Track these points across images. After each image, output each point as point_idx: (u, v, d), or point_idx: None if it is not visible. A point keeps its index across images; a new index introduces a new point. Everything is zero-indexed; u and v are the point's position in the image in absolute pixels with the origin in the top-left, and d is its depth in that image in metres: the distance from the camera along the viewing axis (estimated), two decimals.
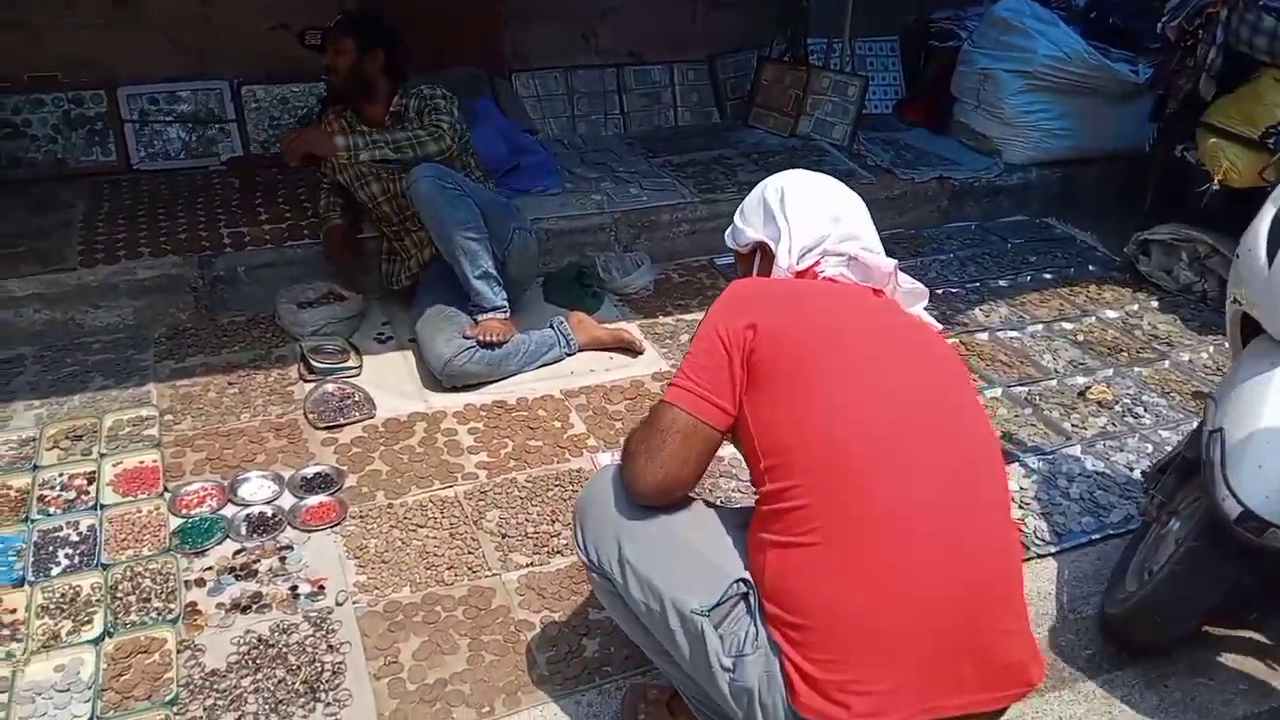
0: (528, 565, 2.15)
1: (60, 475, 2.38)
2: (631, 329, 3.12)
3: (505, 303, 2.83)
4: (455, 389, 2.78)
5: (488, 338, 2.75)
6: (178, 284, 3.11)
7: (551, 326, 2.96)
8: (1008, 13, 4.21)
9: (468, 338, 2.75)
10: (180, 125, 3.85)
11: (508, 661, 1.91)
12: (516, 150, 3.75)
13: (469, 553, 2.18)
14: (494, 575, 2.12)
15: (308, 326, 2.99)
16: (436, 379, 2.77)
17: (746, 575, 1.44)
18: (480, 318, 2.79)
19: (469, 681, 1.86)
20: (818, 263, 1.58)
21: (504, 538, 2.22)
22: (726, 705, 1.42)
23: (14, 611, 1.98)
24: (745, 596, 1.43)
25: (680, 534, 1.52)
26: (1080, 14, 4.57)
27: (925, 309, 1.64)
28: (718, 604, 1.43)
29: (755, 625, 1.40)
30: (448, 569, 2.13)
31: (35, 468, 2.40)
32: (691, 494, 1.59)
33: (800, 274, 1.58)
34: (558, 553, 2.18)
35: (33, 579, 2.06)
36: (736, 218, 1.70)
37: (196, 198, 3.55)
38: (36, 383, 2.80)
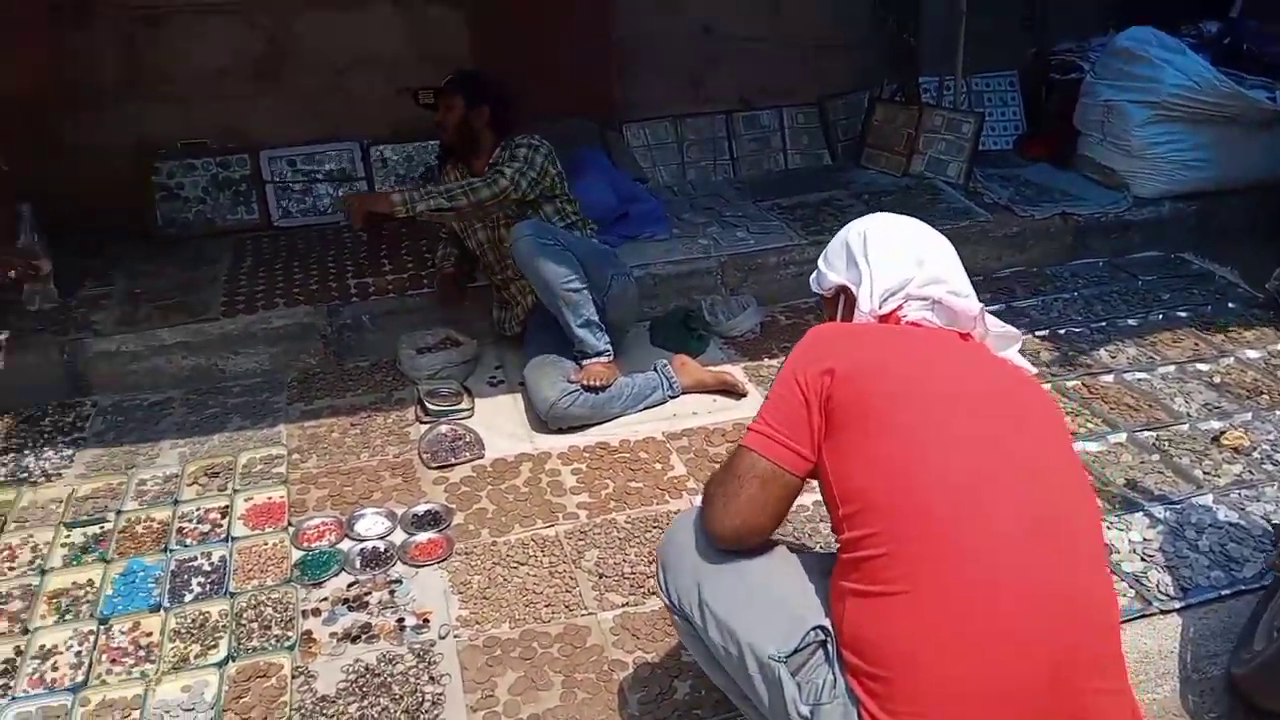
0: (623, 605, 2.18)
1: (197, 509, 2.57)
2: (736, 372, 3.14)
3: (608, 347, 2.91)
4: (560, 431, 2.85)
5: (592, 382, 2.83)
6: (309, 332, 3.33)
7: (655, 369, 3.01)
8: (1131, 42, 4.07)
9: (572, 382, 2.83)
10: (315, 184, 4.13)
11: (600, 700, 1.93)
12: (625, 198, 3.85)
13: (567, 591, 2.23)
14: (590, 614, 2.16)
15: (424, 371, 3.15)
16: (542, 421, 2.86)
17: (825, 622, 1.43)
18: (585, 363, 2.88)
19: (561, 718, 1.90)
20: (900, 307, 1.57)
21: (601, 577, 2.26)
22: None
23: (150, 634, 2.15)
24: (823, 644, 1.42)
25: (758, 578, 1.53)
26: (1212, 40, 4.36)
27: (1020, 352, 1.60)
28: (795, 650, 1.42)
29: (834, 673, 1.39)
30: (546, 606, 2.18)
31: (176, 502, 2.60)
32: (774, 538, 1.59)
33: (883, 318, 1.58)
34: (653, 594, 2.20)
35: (168, 605, 2.23)
36: (820, 261, 1.72)
37: (328, 251, 3.80)
38: (182, 423, 3.04)
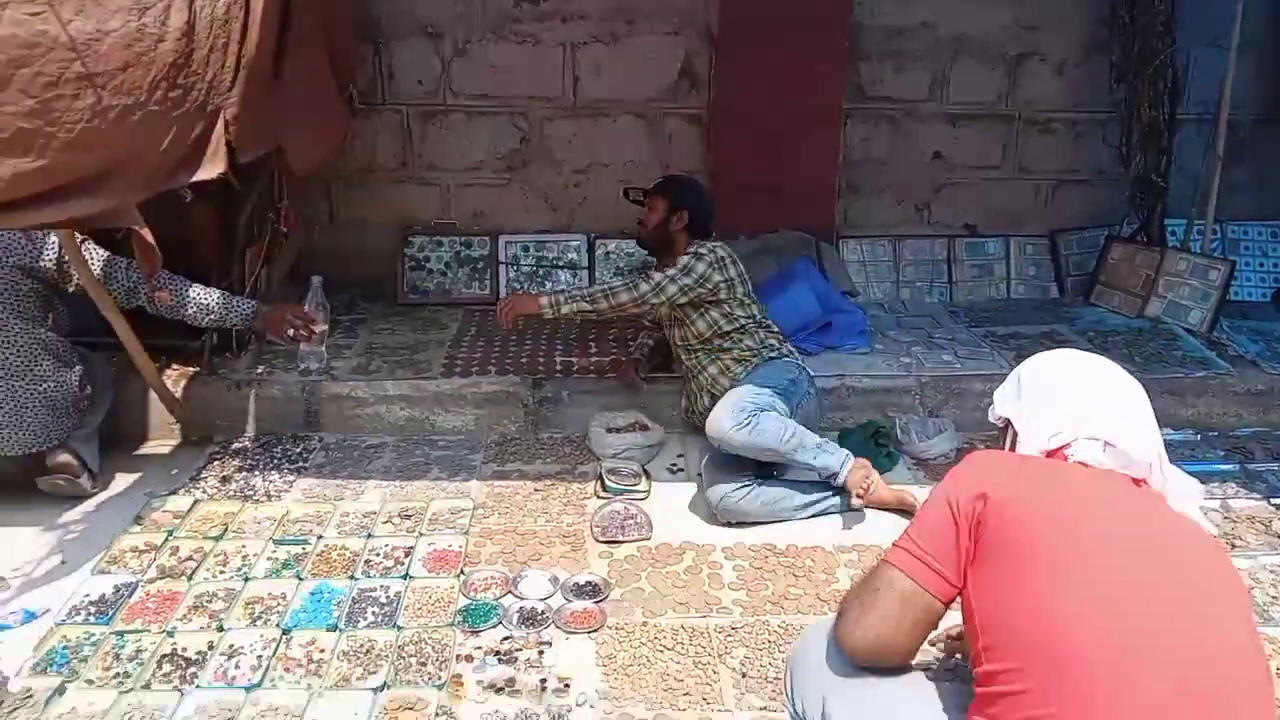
0: (760, 709, 2.12)
1: (386, 545, 2.77)
2: (920, 495, 3.02)
3: (846, 452, 2.92)
4: (729, 525, 2.86)
5: (862, 492, 2.85)
6: (513, 400, 3.55)
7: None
8: None
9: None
10: (544, 269, 4.46)
11: None
12: (830, 308, 3.87)
13: (707, 684, 2.20)
14: (726, 712, 2.12)
15: (610, 449, 3.26)
16: (713, 514, 2.87)
17: None
18: (846, 482, 2.87)
19: None
20: (1068, 445, 1.50)
21: (744, 677, 2.22)
22: None
23: (323, 651, 2.32)
24: None
25: (887, 700, 1.47)
26: None
27: (1247, 521, 1.48)
28: None
29: None
30: (684, 695, 2.16)
31: (369, 536, 2.82)
32: (911, 664, 1.53)
33: (1050, 454, 1.51)
34: None
35: (343, 626, 2.40)
36: (997, 390, 1.68)
37: (544, 328, 4.07)
38: (389, 467, 3.31)
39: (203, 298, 3.14)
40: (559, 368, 3.66)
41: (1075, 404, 1.54)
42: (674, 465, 3.29)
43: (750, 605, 2.50)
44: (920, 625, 1.46)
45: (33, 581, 2.63)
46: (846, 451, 2.95)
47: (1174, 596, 1.28)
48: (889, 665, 1.49)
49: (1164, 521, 1.42)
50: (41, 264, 2.92)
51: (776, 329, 3.28)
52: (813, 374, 3.24)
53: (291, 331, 3.25)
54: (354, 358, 3.77)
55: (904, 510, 2.93)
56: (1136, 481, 1.48)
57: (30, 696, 2.15)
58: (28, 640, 2.36)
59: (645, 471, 3.17)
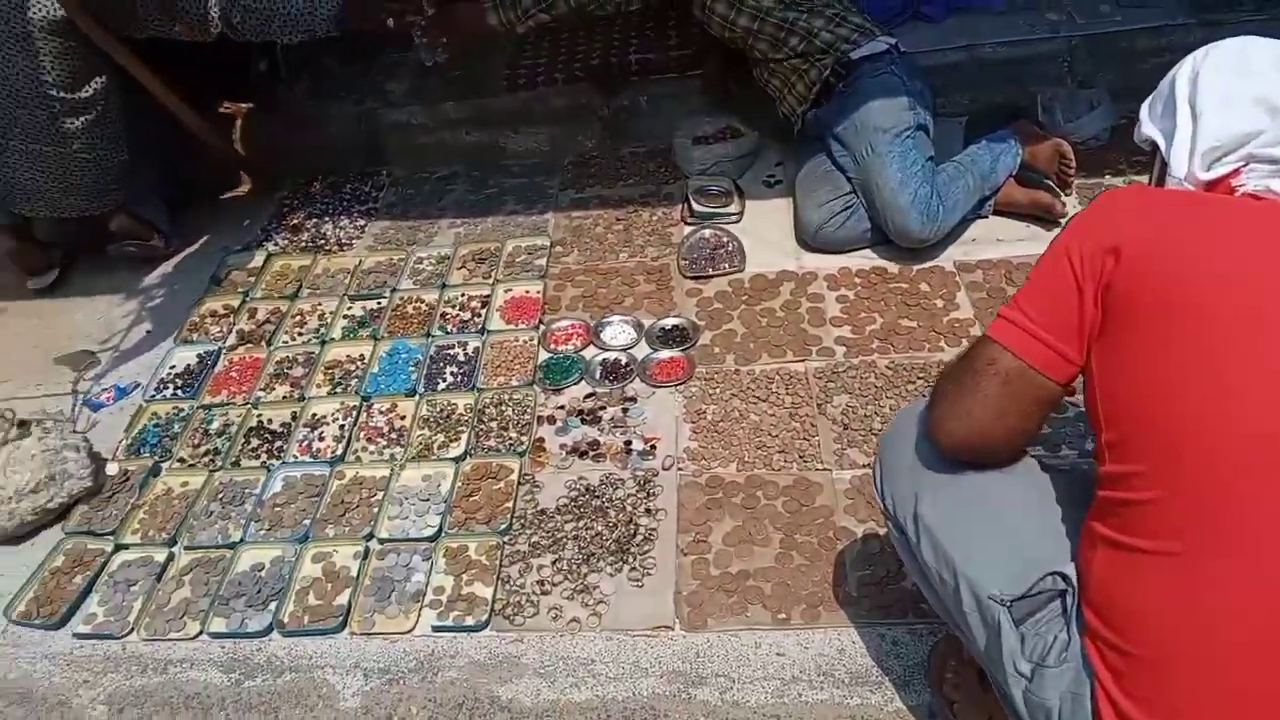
0: (864, 466, 1.97)
1: (461, 295, 2.65)
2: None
3: (1013, 136, 2.56)
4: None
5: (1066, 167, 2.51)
6: (585, 112, 3.21)
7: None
8: None
9: (847, 194, 2.50)
10: None
11: (817, 570, 1.80)
12: None
13: (805, 439, 2.06)
14: (825, 470, 1.99)
15: (697, 164, 2.94)
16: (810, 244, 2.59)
17: (1069, 569, 1.16)
18: (1040, 164, 2.54)
19: (772, 581, 1.79)
20: (1237, 171, 1.14)
21: (846, 429, 2.06)
22: (1018, 711, 1.19)
23: (403, 418, 2.29)
24: (1062, 595, 1.16)
25: (992, 500, 1.27)
26: None
27: None
28: (1024, 596, 1.18)
29: (1069, 633, 1.14)
30: (779, 452, 2.04)
31: (444, 286, 2.69)
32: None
33: (1210, 185, 1.16)
34: None
35: (422, 391, 2.35)
36: (1145, 102, 1.29)
37: (615, 18, 3.56)
38: (461, 201, 3.12)
39: None
40: (635, 68, 3.24)
41: (1252, 114, 1.16)
42: (771, 176, 2.95)
43: (855, 343, 2.29)
44: (1029, 412, 1.22)
45: (121, 355, 2.68)
46: (1013, 135, 2.56)
47: None
48: (991, 461, 1.28)
49: None
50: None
51: (850, 4, 2.70)
52: (904, 51, 2.67)
53: (391, 20, 2.82)
54: (408, 76, 3.44)
55: (1042, 214, 2.54)
56: None
57: (127, 479, 2.23)
58: (121, 419, 2.42)
59: (737, 188, 2.86)
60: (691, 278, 2.57)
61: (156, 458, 2.28)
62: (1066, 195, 2.55)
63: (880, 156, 2.42)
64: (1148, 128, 1.30)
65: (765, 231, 2.70)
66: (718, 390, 2.22)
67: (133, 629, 1.92)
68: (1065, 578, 1.17)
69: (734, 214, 2.77)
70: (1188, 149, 1.21)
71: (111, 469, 2.25)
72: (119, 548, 2.07)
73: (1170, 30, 2.95)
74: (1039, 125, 2.86)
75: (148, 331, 2.76)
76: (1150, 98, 1.33)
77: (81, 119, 2.71)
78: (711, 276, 2.57)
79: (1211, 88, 1.20)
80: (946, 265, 2.47)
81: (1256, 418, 0.99)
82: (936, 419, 1.28)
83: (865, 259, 2.54)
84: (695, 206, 2.78)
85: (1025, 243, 2.51)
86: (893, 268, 2.49)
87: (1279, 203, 1.13)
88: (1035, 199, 2.53)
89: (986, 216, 2.61)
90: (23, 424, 2.17)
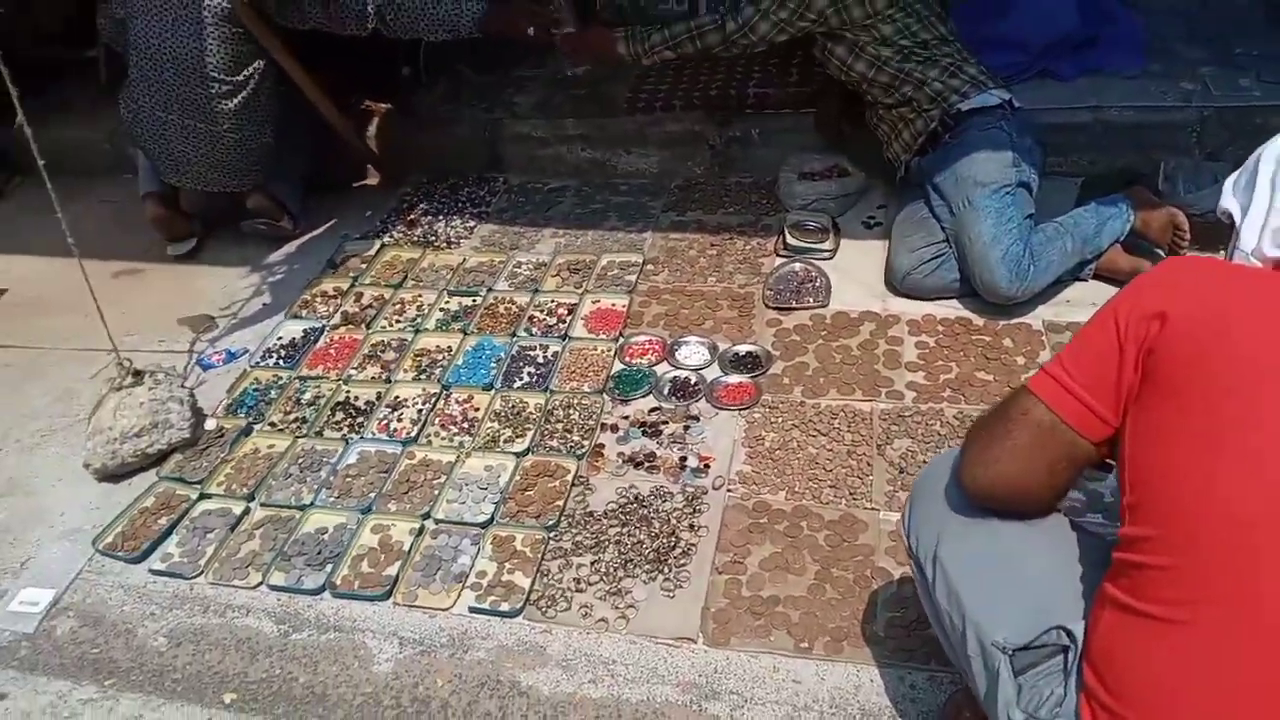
0: None
1: (551, 301, 2.76)
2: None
3: (1126, 201, 2.53)
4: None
5: (1179, 237, 2.47)
6: (698, 139, 3.30)
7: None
8: None
9: (939, 243, 2.50)
10: None
11: (847, 605, 1.80)
12: (1095, 18, 3.15)
13: (858, 477, 2.06)
14: (873, 510, 1.98)
15: (799, 199, 2.98)
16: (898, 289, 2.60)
17: (1075, 626, 1.15)
18: (1153, 233, 2.51)
19: (801, 609, 1.80)
20: None
21: (901, 472, 2.05)
22: None
23: (477, 410, 2.40)
24: (1065, 651, 1.15)
25: (1011, 549, 1.26)
26: None
27: None
28: (1026, 647, 1.17)
29: (1066, 689, 1.13)
30: (830, 487, 2.05)
31: (536, 290, 2.81)
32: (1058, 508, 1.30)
33: (1278, 264, 1.13)
34: None
35: (498, 386, 2.46)
36: (1229, 176, 1.27)
37: (742, 56, 3.64)
38: (568, 213, 3.24)
39: None
40: (751, 101, 3.31)
41: None
42: (871, 218, 2.96)
43: (926, 390, 2.27)
44: (1059, 467, 1.21)
45: (238, 322, 2.89)
46: (1127, 200, 2.51)
47: None
48: (1016, 513, 1.27)
49: None
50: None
51: (969, 56, 2.68)
52: (1020, 106, 2.64)
53: (533, 30, 2.95)
54: (538, 90, 3.61)
55: None
56: None
57: (221, 435, 2.41)
58: (226, 380, 2.62)
59: (835, 226, 2.88)
60: (774, 308, 2.61)
61: (250, 419, 2.46)
62: None
63: (976, 210, 2.41)
64: (1227, 200, 1.29)
65: (856, 271, 2.71)
66: (780, 419, 2.24)
67: (202, 572, 2.07)
68: (1070, 634, 1.16)
69: (828, 251, 2.79)
70: (1260, 224, 1.21)
71: (209, 424, 2.44)
72: (203, 496, 2.24)
73: None
74: (1157, 194, 2.78)
75: (264, 304, 2.97)
76: (1237, 172, 1.31)
77: (234, 101, 2.97)
78: (794, 309, 2.59)
79: None
80: (1035, 324, 2.43)
81: (1263, 501, 0.97)
82: (967, 463, 1.29)
83: (951, 308, 2.52)
84: (790, 240, 2.82)
85: None
86: (978, 320, 2.46)
87: None
88: (1138, 267, 2.46)
89: (1086, 280, 2.55)
90: (138, 374, 2.38)
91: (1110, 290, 2.49)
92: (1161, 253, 2.50)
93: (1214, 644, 0.98)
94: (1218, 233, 2.62)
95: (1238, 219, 1.23)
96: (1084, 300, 2.50)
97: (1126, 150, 2.97)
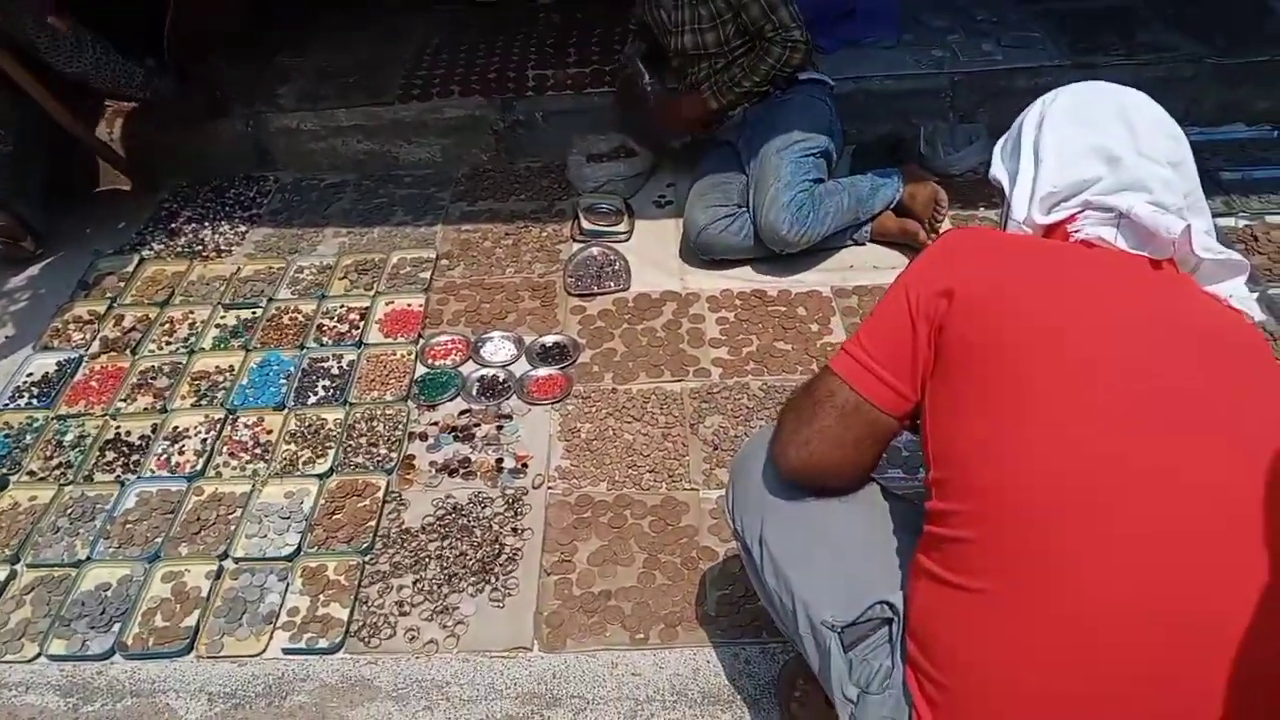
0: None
1: (341, 307, 2.60)
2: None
3: (899, 175, 2.66)
4: (715, 264, 2.62)
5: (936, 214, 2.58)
6: (481, 125, 3.20)
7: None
8: None
9: (739, 207, 2.56)
10: None
11: (678, 589, 1.81)
12: None
13: (675, 459, 2.07)
14: (692, 490, 2.00)
15: (590, 182, 2.95)
16: (692, 251, 2.63)
17: (896, 599, 1.19)
18: (917, 208, 2.60)
19: (633, 600, 1.80)
20: (1073, 217, 1.19)
21: (716, 449, 2.08)
22: None
23: (270, 433, 2.23)
24: (889, 623, 1.18)
25: (830, 527, 1.29)
26: None
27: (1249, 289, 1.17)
28: (854, 623, 1.20)
29: (893, 661, 1.16)
30: (649, 472, 2.05)
31: (323, 296, 2.64)
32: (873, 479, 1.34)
33: (1049, 230, 1.20)
34: None
35: (291, 404, 2.29)
36: (997, 144, 1.33)
37: (516, 33, 3.57)
38: (349, 210, 3.06)
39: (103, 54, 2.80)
40: (532, 83, 3.24)
41: (1091, 162, 1.22)
42: (662, 197, 2.99)
43: (731, 365, 2.31)
44: (868, 443, 1.25)
45: None
46: (898, 173, 2.66)
47: (1180, 440, 1.02)
48: (831, 488, 1.31)
49: (1189, 316, 1.14)
50: None
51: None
52: (836, 93, 2.80)
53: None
54: (301, 81, 3.39)
55: (909, 242, 2.61)
56: (1155, 264, 1.18)
57: None
58: None
59: (628, 207, 2.88)
60: (576, 295, 2.58)
61: (4, 470, 2.18)
62: (932, 237, 2.62)
63: (780, 157, 2.51)
64: (996, 168, 1.35)
65: (653, 251, 2.72)
66: (594, 409, 2.22)
67: None
68: (893, 606, 1.19)
69: (623, 233, 2.79)
70: (1029, 192, 1.26)
71: None
72: None
73: (1047, 71, 3.08)
74: (920, 156, 2.96)
75: (7, 337, 2.64)
76: (1003, 138, 1.38)
77: None
78: (596, 294, 2.57)
79: (1053, 134, 1.25)
80: (824, 290, 2.53)
81: (1068, 461, 1.02)
82: (780, 445, 1.30)
83: (746, 281, 2.58)
84: (585, 224, 2.79)
85: (897, 271, 2.57)
86: (771, 291, 2.53)
87: (1105, 253, 1.18)
88: (905, 227, 2.61)
89: (863, 244, 2.68)
90: None
91: (888, 253, 2.64)
92: (924, 223, 2.63)
93: (1013, 613, 1.02)
94: (977, 190, 2.86)
95: (1008, 188, 1.29)
96: (865, 264, 2.62)
97: (889, 118, 3.13)
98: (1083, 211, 1.20)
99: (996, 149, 1.36)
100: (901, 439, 1.97)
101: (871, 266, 2.60)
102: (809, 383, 1.29)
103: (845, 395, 1.21)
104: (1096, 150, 1.20)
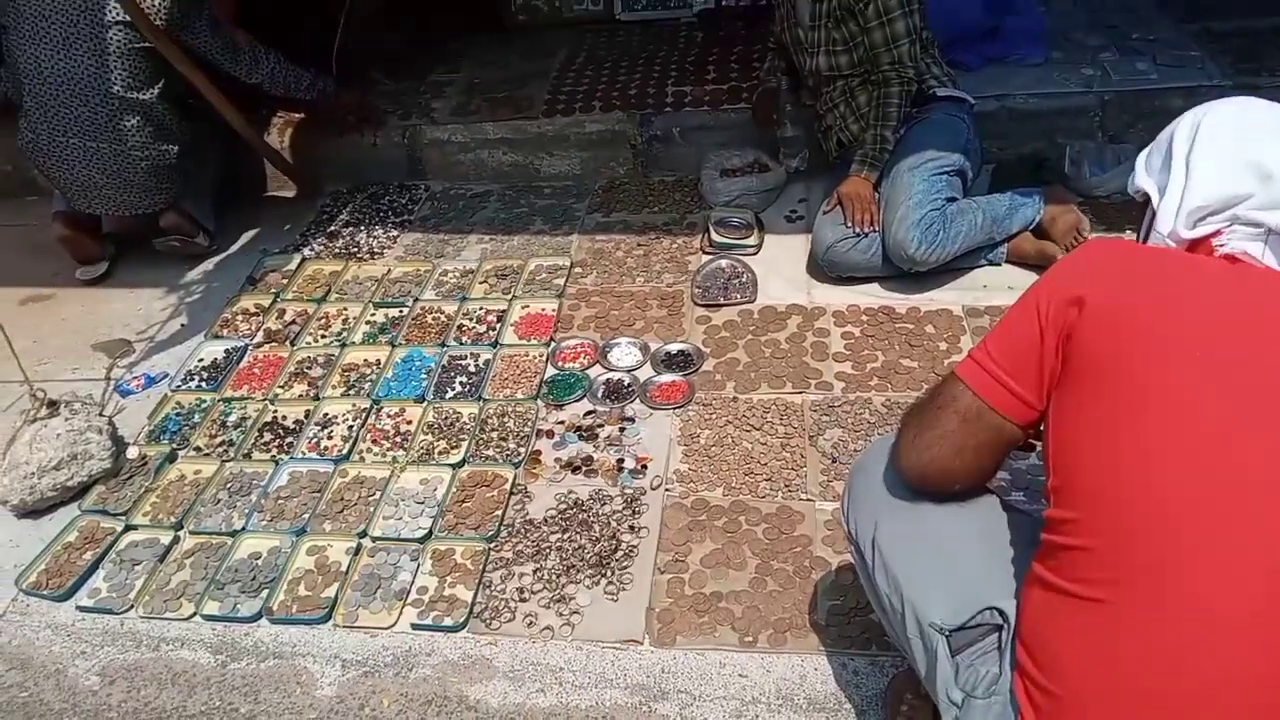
0: None
1: (480, 309, 2.73)
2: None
3: (1040, 195, 2.64)
4: (843, 281, 2.63)
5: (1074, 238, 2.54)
6: (619, 139, 3.30)
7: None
8: None
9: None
10: None
11: (789, 596, 1.83)
12: (998, 8, 3.25)
13: (793, 469, 2.09)
14: (808, 500, 2.02)
15: (722, 196, 3.00)
16: (819, 265, 2.64)
17: (1008, 605, 1.19)
18: (1056, 231, 2.58)
19: (744, 604, 1.83)
20: (1219, 232, 1.16)
21: (834, 463, 2.09)
22: None
23: (410, 423, 2.37)
24: (999, 630, 1.19)
25: (945, 531, 1.31)
26: None
27: None
28: (962, 627, 1.21)
29: (1001, 667, 1.17)
30: (766, 480, 2.08)
31: (464, 298, 2.78)
32: (989, 486, 1.34)
33: (1193, 244, 1.18)
34: None
35: (430, 398, 2.43)
36: (1141, 153, 1.31)
37: (658, 51, 3.68)
38: (492, 218, 3.22)
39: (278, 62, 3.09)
40: (670, 100, 3.33)
41: (1243, 177, 1.18)
42: (793, 212, 3.01)
43: (854, 380, 2.32)
44: (987, 451, 1.25)
45: (156, 345, 2.81)
46: (1040, 193, 2.63)
47: None
48: (949, 494, 1.31)
49: None
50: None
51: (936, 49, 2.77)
52: (976, 111, 2.78)
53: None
54: (454, 96, 3.58)
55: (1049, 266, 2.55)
56: None
57: (144, 463, 2.33)
58: (147, 406, 2.54)
59: (759, 221, 2.92)
60: (703, 305, 2.63)
61: (174, 445, 2.39)
62: None
63: (913, 174, 2.50)
64: (1142, 179, 1.32)
65: (781, 265, 2.75)
66: (714, 416, 2.26)
67: (132, 606, 2.01)
68: (1003, 613, 1.20)
69: (752, 246, 2.83)
70: (1176, 205, 1.22)
71: (131, 453, 2.37)
72: (129, 528, 2.17)
73: (1205, 91, 2.94)
74: (1064, 177, 2.88)
75: (183, 325, 2.89)
76: (1149, 148, 1.34)
77: (138, 117, 2.87)
78: (722, 305, 2.62)
79: (1207, 147, 1.22)
80: (955, 309, 2.50)
81: (1175, 480, 1.01)
82: (901, 449, 1.32)
83: (874, 297, 2.57)
84: (715, 236, 2.84)
85: None
86: (900, 308, 2.52)
87: (1249, 269, 1.15)
88: (1043, 250, 2.56)
89: (999, 265, 2.63)
90: (52, 404, 2.30)
91: (1025, 274, 2.58)
92: (1063, 249, 2.56)
93: (1131, 622, 1.02)
94: (1124, 214, 2.76)
95: (1155, 200, 1.26)
96: (999, 284, 2.58)
97: (1033, 136, 3.06)
98: (1230, 226, 1.17)
99: (1140, 160, 1.32)
100: (1025, 461, 1.96)
101: (1006, 287, 2.55)
102: (933, 388, 1.31)
103: (969, 401, 1.22)
104: (1251, 166, 1.16)
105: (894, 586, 1.31)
